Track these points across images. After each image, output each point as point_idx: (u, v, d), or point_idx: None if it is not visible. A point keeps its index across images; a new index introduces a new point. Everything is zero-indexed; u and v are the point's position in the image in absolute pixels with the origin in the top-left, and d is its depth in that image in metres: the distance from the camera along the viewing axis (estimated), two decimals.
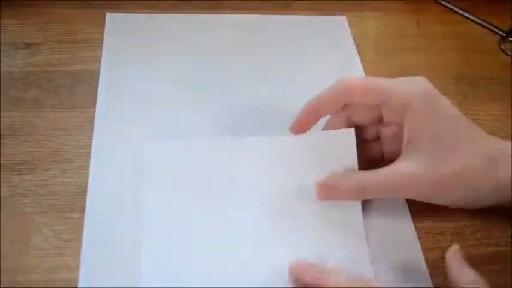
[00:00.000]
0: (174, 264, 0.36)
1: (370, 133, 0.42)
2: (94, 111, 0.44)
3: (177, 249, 0.37)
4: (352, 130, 0.40)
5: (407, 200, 0.41)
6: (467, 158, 0.37)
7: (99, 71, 0.47)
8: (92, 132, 0.42)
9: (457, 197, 0.38)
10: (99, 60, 0.48)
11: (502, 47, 0.56)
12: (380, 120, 0.40)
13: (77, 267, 0.35)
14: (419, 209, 0.41)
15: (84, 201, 0.38)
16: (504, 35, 0.57)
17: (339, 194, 0.38)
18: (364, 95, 0.38)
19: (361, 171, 0.39)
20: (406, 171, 0.37)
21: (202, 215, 0.38)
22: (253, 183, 0.39)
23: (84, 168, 0.40)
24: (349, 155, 0.39)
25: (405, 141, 0.38)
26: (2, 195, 0.38)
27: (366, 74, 0.50)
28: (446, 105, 0.38)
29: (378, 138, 0.42)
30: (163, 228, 0.37)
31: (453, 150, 0.37)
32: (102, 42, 0.49)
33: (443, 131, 0.37)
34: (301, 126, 0.40)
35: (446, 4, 0.60)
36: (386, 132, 0.41)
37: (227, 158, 0.40)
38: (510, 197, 0.37)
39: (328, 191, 0.38)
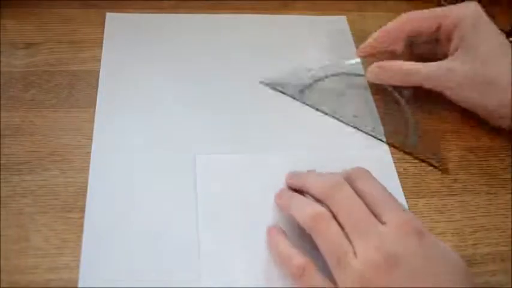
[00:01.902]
0: (232, 267, 0.36)
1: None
2: (94, 111, 0.44)
3: (235, 254, 0.37)
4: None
5: (407, 201, 0.41)
6: (502, 68, 0.43)
7: (99, 71, 0.47)
8: (92, 132, 0.42)
9: (485, 99, 0.44)
10: (99, 60, 0.48)
11: None
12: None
13: (77, 267, 0.35)
14: (419, 210, 0.41)
15: (84, 201, 0.38)
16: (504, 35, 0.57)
17: (387, 75, 0.46)
18: (425, 21, 0.46)
19: (406, 62, 0.45)
20: (445, 65, 0.44)
21: (257, 225, 0.38)
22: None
23: (84, 168, 0.40)
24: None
25: (451, 50, 0.45)
26: (2, 195, 0.38)
27: (366, 73, 0.50)
28: (489, 27, 0.44)
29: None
30: (221, 237, 0.38)
31: (491, 62, 0.43)
32: (102, 42, 0.49)
33: (483, 46, 0.43)
34: (368, 49, 0.48)
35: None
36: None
37: (280, 171, 0.41)
38: None
39: (379, 71, 0.46)
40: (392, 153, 0.45)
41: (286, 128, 0.45)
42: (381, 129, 0.46)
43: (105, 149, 0.42)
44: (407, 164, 0.44)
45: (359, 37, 0.54)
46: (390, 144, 0.45)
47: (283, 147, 0.44)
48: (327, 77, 0.49)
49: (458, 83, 0.44)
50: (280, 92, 0.47)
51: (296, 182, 0.39)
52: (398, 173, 0.43)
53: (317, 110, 0.46)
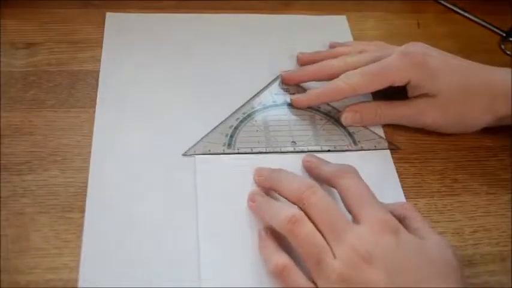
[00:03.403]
0: (232, 267, 0.36)
1: None
2: (94, 111, 0.44)
3: (234, 254, 0.37)
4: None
5: (407, 201, 0.41)
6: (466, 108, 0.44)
7: (99, 71, 0.47)
8: (92, 132, 0.42)
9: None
10: (99, 60, 0.48)
11: (502, 47, 0.56)
12: None
13: (77, 267, 0.35)
14: (419, 210, 0.41)
15: (84, 201, 0.38)
16: (504, 35, 0.57)
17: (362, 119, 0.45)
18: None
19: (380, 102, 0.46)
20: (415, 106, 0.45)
21: (257, 225, 0.38)
22: None
23: (84, 168, 0.40)
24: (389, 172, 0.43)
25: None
26: (2, 195, 0.38)
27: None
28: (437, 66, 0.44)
29: None
30: (220, 236, 0.38)
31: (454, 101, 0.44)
32: (102, 42, 0.49)
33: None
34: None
35: (446, 4, 0.60)
36: None
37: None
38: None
39: (355, 115, 0.45)
40: (392, 153, 0.45)
41: (286, 127, 0.45)
42: None
43: (105, 149, 0.42)
44: (407, 164, 0.44)
45: (359, 37, 0.54)
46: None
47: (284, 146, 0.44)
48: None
49: (424, 120, 0.45)
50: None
51: (267, 182, 0.39)
52: (399, 173, 0.43)
53: None
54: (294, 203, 0.36)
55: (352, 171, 0.37)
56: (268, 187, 0.39)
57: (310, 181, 0.37)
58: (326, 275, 0.32)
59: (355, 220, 0.34)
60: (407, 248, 0.32)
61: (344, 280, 0.31)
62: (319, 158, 0.42)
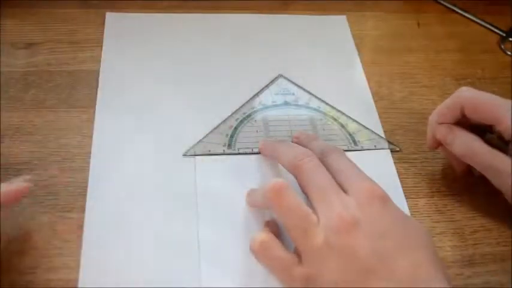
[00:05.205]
0: (232, 267, 0.36)
1: None
2: (94, 111, 0.44)
3: (235, 254, 0.37)
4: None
5: (407, 201, 0.41)
6: None
7: (99, 71, 0.47)
8: (92, 132, 0.42)
9: None
10: (99, 60, 0.48)
11: (502, 47, 0.56)
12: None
13: (77, 267, 0.35)
14: (419, 210, 0.41)
15: (84, 201, 0.38)
16: (504, 35, 0.57)
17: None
18: (475, 113, 0.39)
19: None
20: None
21: (258, 225, 0.38)
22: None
23: (84, 168, 0.40)
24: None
25: None
26: None
27: (365, 74, 0.50)
28: None
29: None
30: (220, 236, 0.38)
31: None
32: (102, 42, 0.49)
33: None
34: (434, 142, 0.42)
35: (446, 4, 0.60)
36: None
37: (280, 170, 0.40)
38: None
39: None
40: (392, 153, 0.45)
41: (286, 127, 0.45)
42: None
43: (105, 149, 0.42)
44: (407, 164, 0.44)
45: (359, 37, 0.54)
46: None
47: None
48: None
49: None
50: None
51: (268, 151, 0.41)
52: (399, 173, 0.43)
53: None
54: (290, 171, 0.36)
55: (338, 150, 0.38)
56: (269, 155, 0.41)
57: (308, 151, 0.37)
58: (311, 242, 0.32)
59: (344, 191, 0.34)
60: (393, 216, 0.33)
61: (329, 245, 0.31)
62: (308, 134, 0.43)
